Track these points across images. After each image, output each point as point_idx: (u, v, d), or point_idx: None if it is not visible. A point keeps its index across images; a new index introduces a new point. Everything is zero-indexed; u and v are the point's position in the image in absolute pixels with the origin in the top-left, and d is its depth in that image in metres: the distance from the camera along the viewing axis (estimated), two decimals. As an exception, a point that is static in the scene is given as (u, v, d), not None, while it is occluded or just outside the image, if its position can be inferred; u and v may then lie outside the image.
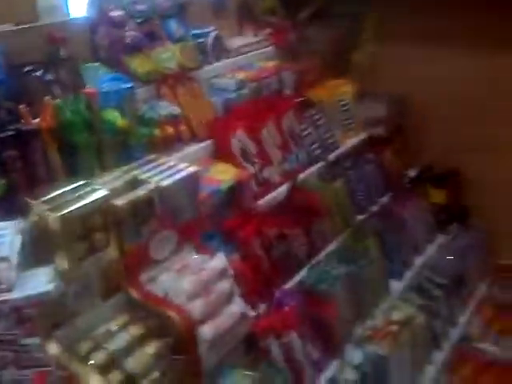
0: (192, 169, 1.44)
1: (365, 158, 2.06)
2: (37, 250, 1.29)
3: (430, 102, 2.21)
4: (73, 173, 1.41)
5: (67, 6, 3.58)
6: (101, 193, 1.25)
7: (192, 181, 1.44)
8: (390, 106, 2.21)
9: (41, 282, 1.20)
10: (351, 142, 2.10)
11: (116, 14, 1.70)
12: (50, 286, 1.19)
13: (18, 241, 1.23)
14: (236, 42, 2.04)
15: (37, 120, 1.38)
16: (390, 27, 2.19)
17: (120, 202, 1.28)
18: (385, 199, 2.07)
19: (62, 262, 1.22)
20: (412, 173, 2.23)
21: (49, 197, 1.25)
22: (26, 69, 1.52)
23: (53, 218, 1.16)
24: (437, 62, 2.15)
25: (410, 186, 2.16)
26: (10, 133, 1.30)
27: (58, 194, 1.26)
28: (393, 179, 2.13)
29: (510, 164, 2.11)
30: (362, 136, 2.14)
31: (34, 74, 1.50)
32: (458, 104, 2.15)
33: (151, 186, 1.36)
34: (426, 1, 2.08)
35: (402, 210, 1.99)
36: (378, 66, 2.24)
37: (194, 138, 1.72)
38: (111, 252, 1.29)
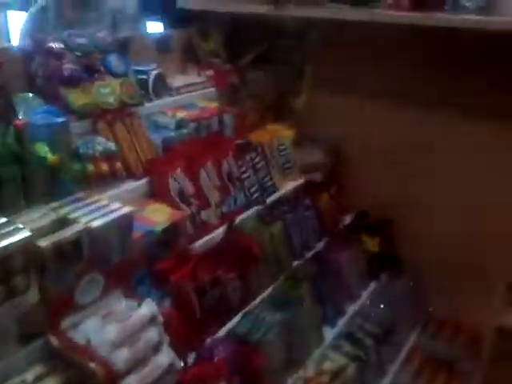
0: (125, 210, 1.39)
1: (302, 202, 2.08)
2: None
3: (366, 150, 2.29)
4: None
5: (8, 29, 3.47)
6: (23, 233, 1.17)
7: (125, 222, 1.38)
8: (327, 152, 2.27)
9: None
10: (289, 186, 2.12)
11: (54, 45, 1.65)
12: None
13: None
14: (178, 80, 2.04)
15: (-42, 150, 1.29)
16: (328, 75, 2.27)
17: (44, 242, 1.21)
18: (320, 245, 2.10)
19: (-26, 306, 1.12)
20: (347, 219, 2.28)
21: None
22: (-49, 95, 1.43)
23: (-34, 259, 1.07)
24: (373, 112, 2.24)
25: (345, 233, 2.20)
26: None
27: (-25, 233, 1.17)
28: (328, 225, 2.16)
29: (440, 216, 2.20)
30: (300, 181, 2.17)
31: (-42, 101, 1.41)
32: (393, 154, 2.24)
33: (79, 226, 1.29)
34: (364, 52, 2.18)
35: (337, 256, 2.02)
36: (316, 112, 2.30)
37: (131, 175, 1.67)
38: (31, 296, 1.20)
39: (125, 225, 1.39)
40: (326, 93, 2.29)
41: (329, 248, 2.06)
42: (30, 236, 1.17)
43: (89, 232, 1.30)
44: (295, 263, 1.95)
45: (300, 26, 2.20)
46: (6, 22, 3.34)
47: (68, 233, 1.26)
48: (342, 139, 2.31)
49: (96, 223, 1.32)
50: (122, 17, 2.39)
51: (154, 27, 2.50)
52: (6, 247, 1.12)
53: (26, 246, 1.17)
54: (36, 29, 2.33)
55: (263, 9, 1.96)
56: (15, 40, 3.06)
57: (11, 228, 1.19)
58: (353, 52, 2.20)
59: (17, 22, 2.96)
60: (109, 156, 1.58)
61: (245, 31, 2.27)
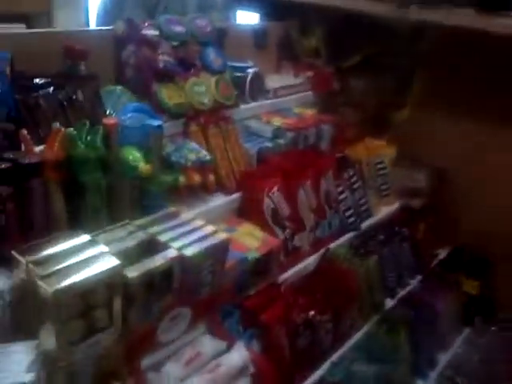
0: (221, 236, 1.18)
1: (398, 232, 1.83)
2: (16, 318, 1.01)
3: (472, 178, 2.00)
4: (77, 219, 1.14)
5: (87, 6, 3.28)
6: (109, 262, 0.98)
7: (220, 251, 1.18)
8: (429, 176, 2.00)
9: (18, 365, 0.92)
10: (385, 211, 1.87)
11: (150, 32, 1.46)
12: (29, 376, 0.91)
13: (-5, 307, 0.95)
14: (275, 81, 1.81)
15: (40, 148, 1.12)
16: (438, 89, 1.99)
17: (132, 273, 1.02)
18: (414, 282, 1.84)
19: (49, 342, 0.94)
20: (442, 254, 2.01)
21: (43, 254, 0.98)
22: (35, 82, 1.25)
23: (46, 290, 0.88)
24: (486, 136, 1.95)
25: (442, 271, 1.94)
26: (5, 164, 1.02)
27: (56, 253, 0.99)
28: (424, 260, 1.90)
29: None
30: (396, 206, 1.92)
31: (43, 91, 1.23)
32: (503, 185, 1.95)
33: (172, 253, 1.10)
34: (484, 67, 1.89)
35: (434, 298, 1.77)
36: (419, 129, 2.03)
37: (221, 188, 1.46)
38: (113, 333, 1.02)
39: (219, 254, 1.19)
40: (434, 108, 2.01)
41: (425, 288, 1.80)
42: (116, 266, 0.98)
43: (182, 260, 1.10)
44: (388, 303, 1.71)
45: (414, 31, 1.93)
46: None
47: (159, 261, 1.06)
48: (446, 162, 2.03)
49: (189, 251, 1.12)
50: (209, 1, 2.15)
51: (245, 17, 2.26)
52: (89, 279, 0.93)
53: (112, 277, 0.98)
54: (114, 7, 2.12)
55: (382, 9, 1.70)
56: (92, 19, 2.89)
57: (95, 251, 1.00)
58: (470, 65, 1.91)
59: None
60: (202, 166, 1.37)
61: (350, 30, 2.01)
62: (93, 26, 2.86)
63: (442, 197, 2.05)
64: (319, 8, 1.95)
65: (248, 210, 1.46)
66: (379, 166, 1.90)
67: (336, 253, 1.61)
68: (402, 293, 1.77)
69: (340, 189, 1.69)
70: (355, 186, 1.77)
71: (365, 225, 1.77)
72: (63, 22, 3.06)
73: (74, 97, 1.24)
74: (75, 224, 1.13)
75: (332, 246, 1.62)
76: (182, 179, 1.33)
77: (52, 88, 1.22)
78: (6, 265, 1.04)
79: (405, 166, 1.98)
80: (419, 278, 1.86)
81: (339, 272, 1.53)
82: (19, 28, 1.39)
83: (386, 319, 1.61)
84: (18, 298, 1.01)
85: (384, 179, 1.90)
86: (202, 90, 1.51)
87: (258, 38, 1.86)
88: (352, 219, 1.72)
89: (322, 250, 1.56)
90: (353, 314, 1.53)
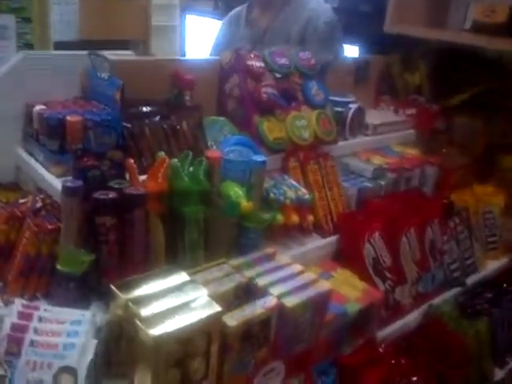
0: (323, 286, 1.08)
1: (509, 291, 1.63)
2: (108, 355, 0.96)
3: None
4: (174, 253, 1.08)
5: (184, 34, 3.38)
6: (210, 308, 0.90)
7: (321, 303, 1.07)
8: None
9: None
10: (492, 266, 1.69)
11: (256, 63, 1.41)
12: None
13: (92, 346, 0.89)
14: (375, 118, 1.71)
15: (143, 178, 1.08)
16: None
17: (232, 321, 0.93)
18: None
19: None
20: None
21: (142, 292, 0.92)
22: (141, 110, 1.23)
23: (148, 335, 0.82)
24: None
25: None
26: (111, 194, 0.99)
27: (155, 292, 0.92)
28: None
29: None
30: (505, 261, 1.72)
31: (149, 119, 1.20)
32: None
33: (271, 302, 1.00)
34: None
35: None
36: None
37: (318, 230, 1.37)
38: (207, 386, 0.93)
39: (320, 306, 1.08)
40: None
41: (541, 358, 1.58)
42: (218, 313, 0.90)
43: (281, 310, 1.01)
44: (497, 374, 1.51)
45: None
46: (184, 26, 3.23)
47: (259, 310, 0.97)
48: None
49: (290, 300, 1.02)
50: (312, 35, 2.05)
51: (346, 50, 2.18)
52: (192, 325, 0.86)
53: (212, 325, 0.90)
54: (227, 40, 2.07)
55: (503, 45, 1.56)
56: (191, 48, 2.95)
57: (196, 294, 0.93)
58: None
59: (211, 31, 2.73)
60: (300, 205, 1.29)
61: (456, 66, 1.88)
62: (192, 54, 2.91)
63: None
64: (423, 42, 1.85)
65: (347, 256, 1.35)
66: (487, 215, 1.72)
67: (440, 310, 1.45)
68: None
69: (445, 238, 1.53)
70: (461, 236, 1.60)
71: (470, 280, 1.59)
72: (159, 49, 3.17)
73: (179, 127, 1.21)
74: (172, 258, 1.08)
75: (435, 301, 1.46)
76: (279, 218, 1.24)
77: (158, 117, 1.19)
78: (102, 298, 1.01)
79: (515, 216, 1.79)
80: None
81: (446, 333, 1.36)
82: (128, 55, 1.38)
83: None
84: (112, 335, 0.96)
85: (492, 230, 1.72)
86: (303, 124, 1.44)
87: (359, 71, 1.78)
88: (457, 273, 1.55)
89: (425, 306, 1.41)
90: (458, 383, 1.36)
